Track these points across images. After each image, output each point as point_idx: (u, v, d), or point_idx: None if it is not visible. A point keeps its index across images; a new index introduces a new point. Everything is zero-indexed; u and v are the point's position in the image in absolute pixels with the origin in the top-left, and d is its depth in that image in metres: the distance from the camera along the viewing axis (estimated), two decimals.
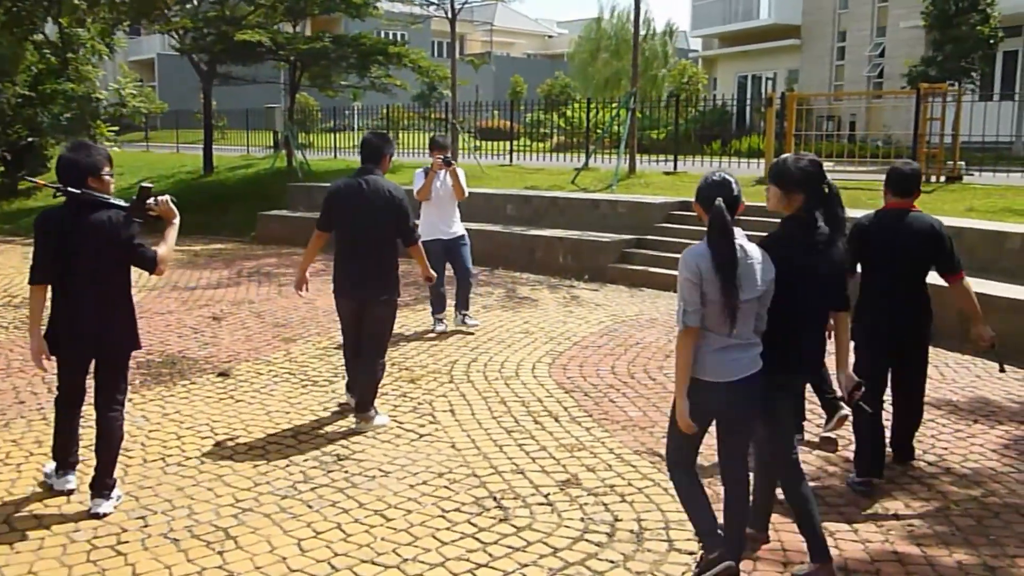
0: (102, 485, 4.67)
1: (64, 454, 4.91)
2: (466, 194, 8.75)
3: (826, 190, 4.01)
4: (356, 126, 29.16)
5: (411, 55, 20.13)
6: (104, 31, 20.81)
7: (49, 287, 4.60)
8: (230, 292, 11.02)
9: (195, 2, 21.40)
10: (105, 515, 4.60)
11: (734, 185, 3.77)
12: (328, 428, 5.99)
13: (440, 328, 8.79)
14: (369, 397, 6.02)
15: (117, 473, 4.84)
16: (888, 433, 5.30)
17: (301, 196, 16.90)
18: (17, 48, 19.14)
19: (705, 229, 3.72)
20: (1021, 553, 4.23)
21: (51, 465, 4.98)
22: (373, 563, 4.12)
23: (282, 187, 18.05)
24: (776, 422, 4.06)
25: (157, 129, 35.62)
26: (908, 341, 5.11)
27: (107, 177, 4.61)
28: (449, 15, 18.70)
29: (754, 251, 3.79)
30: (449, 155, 8.81)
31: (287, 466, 5.31)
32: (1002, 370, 5.47)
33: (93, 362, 4.75)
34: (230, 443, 5.70)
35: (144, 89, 26.98)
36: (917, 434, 5.51)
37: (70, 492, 4.87)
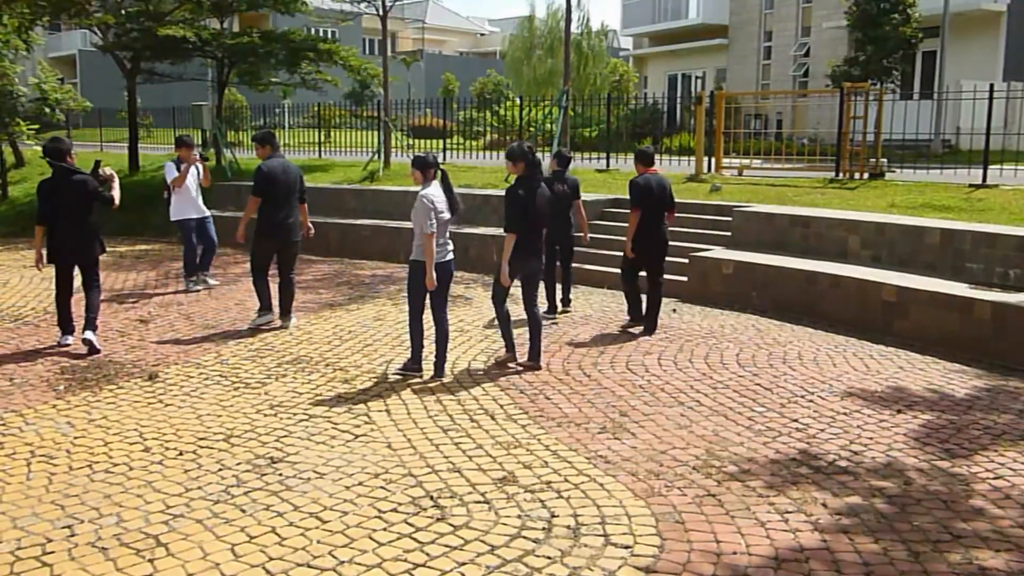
0: (91, 325, 7.88)
1: (65, 325, 8.13)
2: (209, 182, 11.43)
3: (536, 161, 7.29)
4: (286, 124, 28.79)
5: (341, 52, 19.92)
6: (22, 26, 20.13)
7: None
8: (157, 294, 10.78)
9: None
10: (90, 343, 7.78)
11: (437, 157, 7.19)
12: (261, 430, 5.90)
13: (196, 288, 10.89)
14: (292, 305, 8.98)
15: (42, 481, 4.91)
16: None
17: (230, 195, 16.58)
18: None
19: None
20: (944, 539, 4.37)
21: (58, 333, 8.17)
22: (309, 566, 4.07)
23: (210, 186, 17.67)
24: (529, 285, 7.48)
25: (80, 127, 34.64)
26: (660, 247, 8.68)
27: (73, 156, 7.91)
28: (380, 12, 18.55)
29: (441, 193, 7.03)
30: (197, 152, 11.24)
31: (219, 470, 5.22)
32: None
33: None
34: (159, 448, 5.58)
35: (65, 86, 26.14)
36: (842, 424, 6.02)
37: (67, 345, 8.00)
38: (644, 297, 8.82)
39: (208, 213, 11.22)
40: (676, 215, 9.27)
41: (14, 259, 13.81)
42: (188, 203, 10.93)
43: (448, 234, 7.14)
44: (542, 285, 8.01)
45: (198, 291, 10.83)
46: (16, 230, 17.51)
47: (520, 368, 7.38)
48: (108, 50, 20.16)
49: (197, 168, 11.01)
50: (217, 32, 20.37)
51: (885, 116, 14.73)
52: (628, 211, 8.80)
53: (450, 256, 7.15)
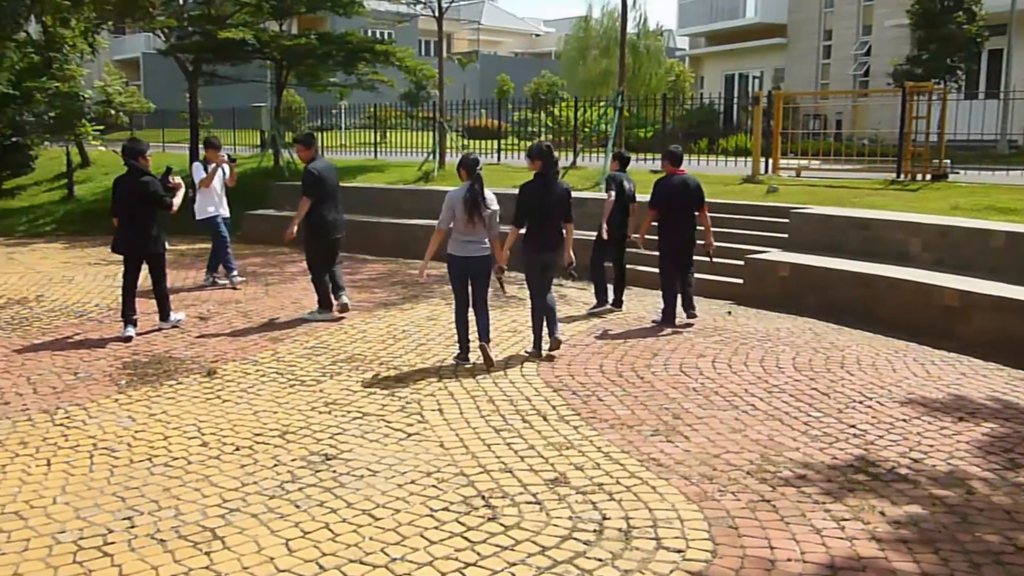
0: (165, 316, 8.88)
1: (128, 316, 8.54)
2: (234, 182, 11.73)
3: (552, 159, 7.79)
4: (343, 125, 29.09)
5: (398, 53, 20.08)
6: (87, 30, 20.65)
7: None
8: (216, 292, 10.98)
9: (180, 1, 21.27)
10: (174, 325, 8.89)
11: (479, 159, 7.60)
12: (316, 427, 5.97)
13: (239, 280, 11.29)
14: (344, 285, 9.58)
15: (104, 473, 5.05)
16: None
17: (287, 195, 16.77)
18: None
19: None
20: (1006, 551, 4.26)
21: (122, 326, 8.59)
22: (361, 563, 4.11)
23: (268, 187, 17.98)
24: (546, 277, 7.84)
25: (143, 128, 35.39)
26: (685, 246, 9.08)
27: (147, 157, 8.58)
28: (436, 14, 18.67)
29: (486, 194, 7.40)
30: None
31: (274, 466, 5.30)
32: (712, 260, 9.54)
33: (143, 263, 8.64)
34: (217, 443, 5.68)
35: (130, 88, 26.73)
36: (902, 431, 5.90)
37: (128, 339, 8.40)
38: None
39: (228, 215, 11.52)
40: (731, 216, 9.23)
41: (79, 256, 14.17)
42: (213, 203, 11.21)
43: (480, 231, 7.43)
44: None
45: (244, 280, 11.38)
46: (82, 228, 17.98)
47: (547, 356, 7.80)
48: (170, 53, 20.58)
49: (223, 169, 11.30)
50: (276, 34, 20.68)
51: (949, 116, 14.39)
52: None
53: (482, 253, 7.48)
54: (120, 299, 8.64)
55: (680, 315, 9.09)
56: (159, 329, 8.75)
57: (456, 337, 7.68)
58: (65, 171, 21.41)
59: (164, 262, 8.81)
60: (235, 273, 11.32)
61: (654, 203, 9.00)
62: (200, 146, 11.54)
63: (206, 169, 11.16)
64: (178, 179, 8.84)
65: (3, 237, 17.24)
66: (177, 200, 8.68)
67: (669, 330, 8.81)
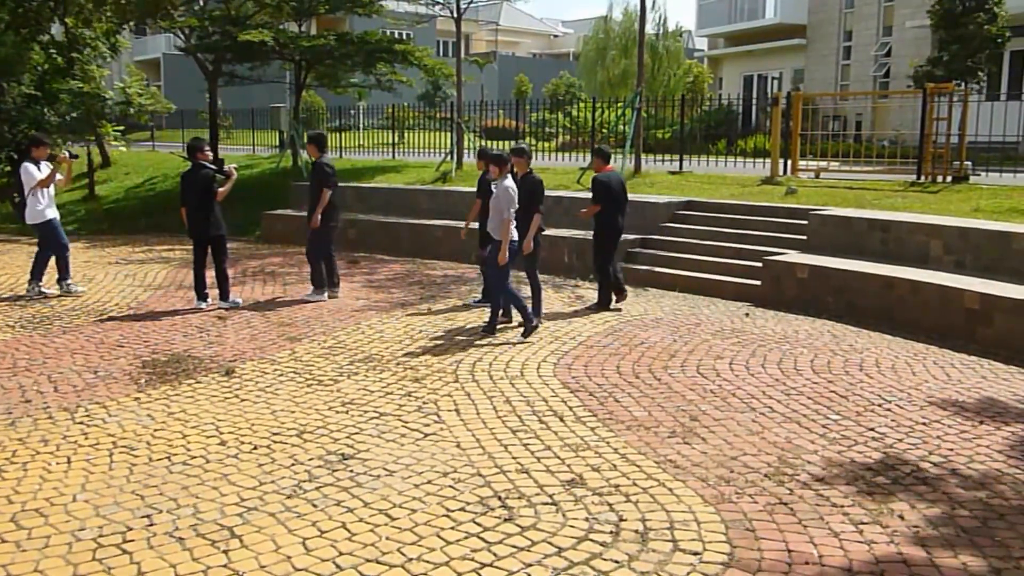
0: (225, 296, 9.90)
1: (200, 292, 9.89)
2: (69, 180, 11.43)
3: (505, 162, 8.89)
4: (361, 125, 29.19)
5: (416, 53, 20.13)
6: (108, 31, 20.80)
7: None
8: (235, 291, 11.01)
9: (201, 2, 21.41)
10: (234, 306, 9.84)
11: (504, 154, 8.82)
12: (333, 427, 5.99)
13: (79, 290, 10.78)
14: (338, 281, 10.69)
15: (123, 471, 5.09)
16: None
17: (305, 196, 16.86)
18: (23, 48, 19.15)
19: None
20: None
21: (193, 298, 9.96)
22: (378, 562, 4.12)
23: (287, 187, 18.06)
24: (534, 256, 9.18)
25: (163, 129, 35.65)
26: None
27: (207, 152, 9.93)
28: (454, 14, 18.69)
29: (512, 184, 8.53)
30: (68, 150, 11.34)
31: (292, 465, 5.32)
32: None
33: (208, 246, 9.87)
34: (235, 442, 5.71)
35: (151, 88, 26.91)
36: (921, 434, 5.88)
37: (200, 309, 9.76)
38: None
39: (56, 215, 10.78)
40: (749, 217, 9.56)
41: (100, 256, 14.27)
42: (48, 204, 10.55)
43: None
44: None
45: (46, 296, 10.52)
46: (103, 228, 18.11)
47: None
48: (191, 53, 20.71)
49: (58, 171, 10.75)
50: (295, 35, 20.76)
51: (970, 117, 14.28)
52: (696, 213, 9.36)
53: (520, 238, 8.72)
54: (193, 278, 10.01)
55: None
56: (220, 308, 9.76)
57: (518, 312, 8.72)
58: (86, 171, 21.59)
59: (225, 243, 9.97)
60: (70, 281, 10.81)
61: (600, 199, 9.74)
62: (53, 147, 10.72)
63: (39, 168, 10.46)
64: (231, 168, 9.99)
65: (26, 236, 17.38)
66: (224, 189, 9.76)
67: (686, 331, 8.78)
